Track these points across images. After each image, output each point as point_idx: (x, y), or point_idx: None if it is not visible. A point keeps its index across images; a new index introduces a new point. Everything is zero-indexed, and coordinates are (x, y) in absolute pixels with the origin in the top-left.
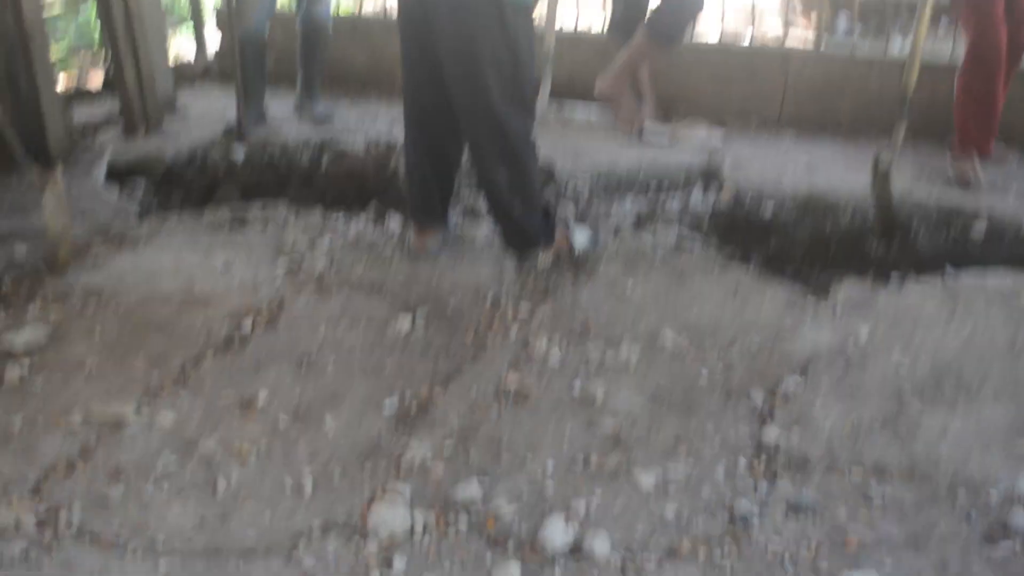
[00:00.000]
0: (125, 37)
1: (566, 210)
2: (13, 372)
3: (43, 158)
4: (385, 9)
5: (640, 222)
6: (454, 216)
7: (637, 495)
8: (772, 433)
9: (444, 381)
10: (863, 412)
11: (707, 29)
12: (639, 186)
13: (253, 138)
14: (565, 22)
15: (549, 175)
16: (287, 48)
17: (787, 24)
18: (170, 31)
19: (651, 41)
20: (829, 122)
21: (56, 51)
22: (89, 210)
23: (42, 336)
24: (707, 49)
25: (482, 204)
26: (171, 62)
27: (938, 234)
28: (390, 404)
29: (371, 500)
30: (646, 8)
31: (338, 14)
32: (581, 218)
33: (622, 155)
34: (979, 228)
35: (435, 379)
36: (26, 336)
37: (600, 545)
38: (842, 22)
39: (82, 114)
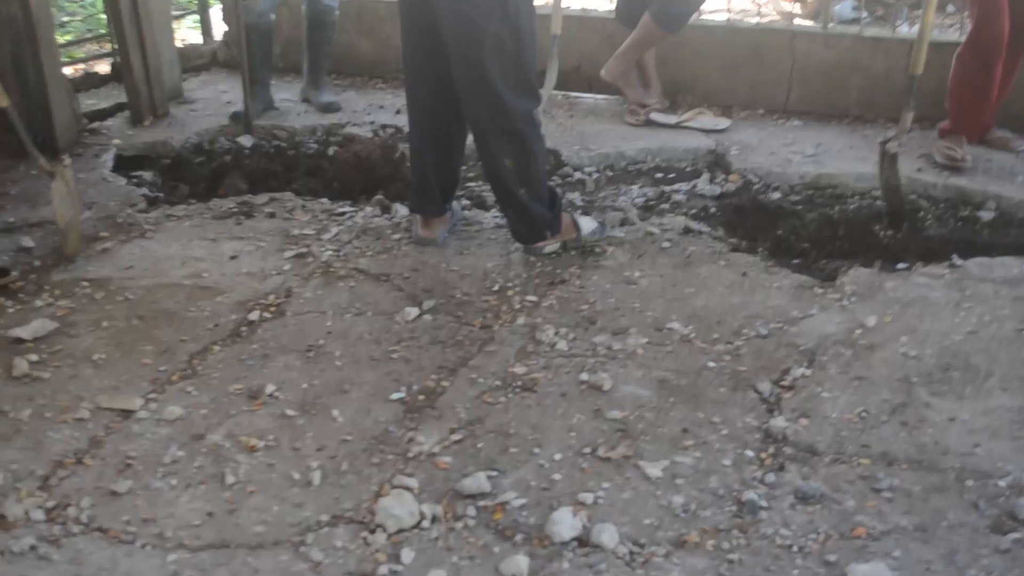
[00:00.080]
0: (131, 26)
1: (572, 198)
2: (21, 364)
3: (50, 148)
4: None
5: (647, 210)
6: (460, 205)
7: (644, 486)
8: (779, 423)
9: (451, 371)
10: (871, 401)
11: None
12: (646, 174)
13: (260, 126)
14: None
15: (556, 162)
16: (293, 35)
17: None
18: (176, 19)
19: (657, 27)
20: (837, 105)
21: (62, 38)
22: (96, 200)
23: (50, 327)
24: (714, 27)
25: (489, 193)
26: (177, 50)
27: (946, 220)
28: (397, 395)
29: (379, 492)
30: None
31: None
32: (588, 206)
33: (629, 142)
34: (987, 215)
35: (442, 369)
36: (34, 327)
37: (608, 536)
38: (847, 7)
39: (89, 103)
